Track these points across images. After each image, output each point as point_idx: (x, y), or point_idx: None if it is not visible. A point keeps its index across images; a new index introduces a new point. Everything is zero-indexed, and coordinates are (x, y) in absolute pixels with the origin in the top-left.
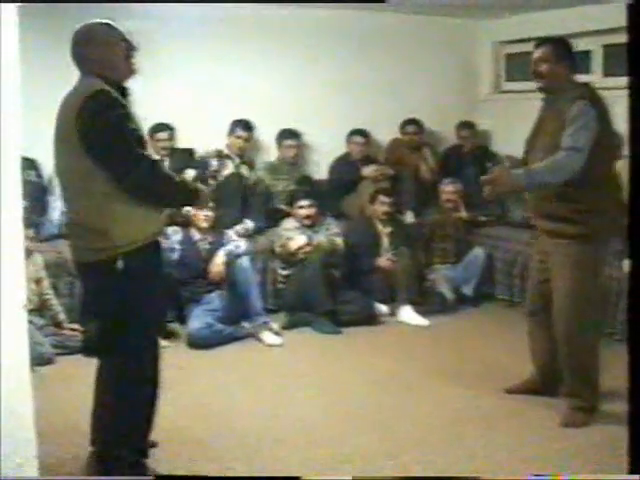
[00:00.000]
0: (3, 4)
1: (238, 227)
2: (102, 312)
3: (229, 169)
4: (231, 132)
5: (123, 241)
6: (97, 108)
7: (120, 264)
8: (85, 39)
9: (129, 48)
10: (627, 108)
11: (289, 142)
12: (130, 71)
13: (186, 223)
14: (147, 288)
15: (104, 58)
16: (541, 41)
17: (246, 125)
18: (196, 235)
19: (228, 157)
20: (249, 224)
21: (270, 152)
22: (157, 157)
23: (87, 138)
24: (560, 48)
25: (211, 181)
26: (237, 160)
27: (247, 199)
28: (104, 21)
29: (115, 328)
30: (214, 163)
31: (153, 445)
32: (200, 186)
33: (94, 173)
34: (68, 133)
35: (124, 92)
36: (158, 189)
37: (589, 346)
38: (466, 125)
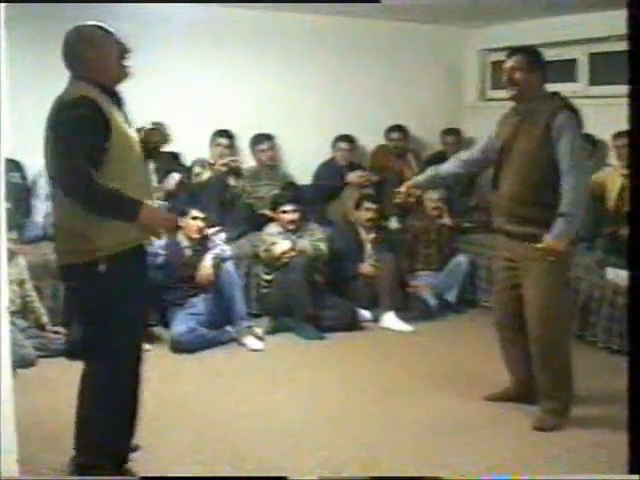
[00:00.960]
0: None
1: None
2: (84, 314)
3: (210, 174)
4: (212, 142)
5: (105, 244)
6: (68, 115)
7: (102, 267)
8: (77, 41)
9: (122, 50)
10: (628, 115)
11: (262, 146)
12: (123, 74)
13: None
14: (130, 291)
15: (96, 61)
16: (514, 50)
17: (226, 134)
18: (183, 241)
19: (212, 165)
20: (222, 235)
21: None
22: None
23: (53, 142)
24: (533, 57)
25: (194, 185)
26: (222, 168)
27: (230, 205)
28: (97, 23)
29: (97, 331)
30: (197, 169)
31: (135, 449)
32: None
33: None
34: (48, 136)
35: (115, 96)
36: (87, 196)
37: (562, 349)
38: (452, 132)
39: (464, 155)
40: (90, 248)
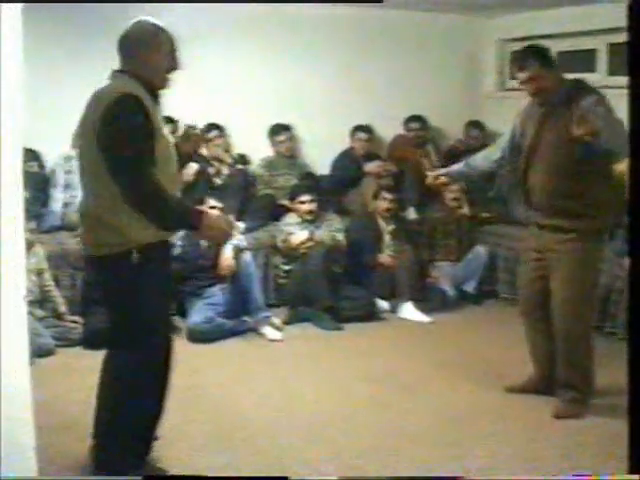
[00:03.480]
0: (3, 4)
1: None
2: (112, 304)
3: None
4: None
5: (136, 238)
6: (117, 114)
7: (135, 257)
8: (135, 38)
9: (173, 67)
10: (628, 107)
11: (280, 137)
12: (164, 85)
13: None
14: (159, 281)
15: (148, 60)
16: (524, 58)
17: (216, 126)
18: None
19: (220, 160)
20: (240, 226)
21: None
22: (158, 180)
23: (102, 142)
24: (545, 58)
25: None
26: (229, 162)
27: (249, 196)
28: (170, 33)
29: (126, 320)
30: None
31: (154, 439)
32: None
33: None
34: (89, 131)
35: (156, 96)
36: (154, 210)
37: (585, 339)
38: (475, 125)
39: (492, 154)
40: (122, 241)
